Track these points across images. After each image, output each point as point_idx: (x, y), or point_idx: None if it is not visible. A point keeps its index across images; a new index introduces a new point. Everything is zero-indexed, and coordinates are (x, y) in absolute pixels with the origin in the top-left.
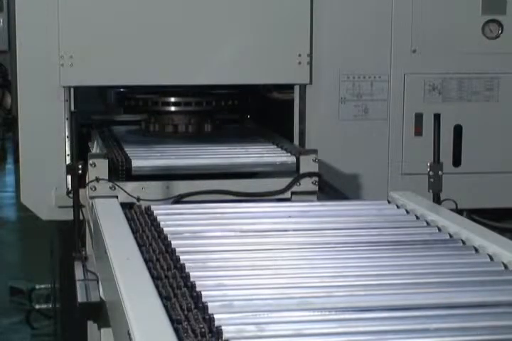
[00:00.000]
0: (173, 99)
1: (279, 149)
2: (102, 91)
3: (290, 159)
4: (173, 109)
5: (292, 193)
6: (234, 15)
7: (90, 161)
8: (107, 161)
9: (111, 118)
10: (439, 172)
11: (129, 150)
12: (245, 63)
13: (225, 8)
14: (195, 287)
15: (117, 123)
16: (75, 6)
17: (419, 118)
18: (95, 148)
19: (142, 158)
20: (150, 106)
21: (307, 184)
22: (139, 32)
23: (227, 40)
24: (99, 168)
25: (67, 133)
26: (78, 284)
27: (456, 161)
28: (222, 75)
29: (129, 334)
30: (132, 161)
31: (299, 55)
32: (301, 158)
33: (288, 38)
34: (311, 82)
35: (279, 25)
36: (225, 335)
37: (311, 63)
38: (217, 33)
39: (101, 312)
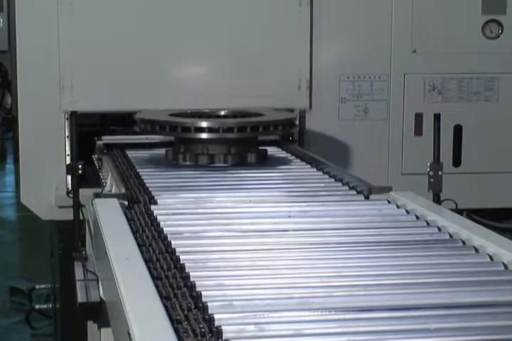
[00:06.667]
0: (208, 124)
1: (340, 184)
2: None
3: (357, 198)
4: (207, 136)
5: None
6: (234, 40)
7: None
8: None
9: (125, 141)
10: (439, 172)
11: (154, 190)
12: (245, 87)
13: (225, 33)
14: (195, 287)
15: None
16: (75, 31)
17: (419, 118)
18: (109, 184)
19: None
20: (180, 133)
21: None
22: (139, 58)
23: (227, 64)
24: None
25: (67, 133)
26: (78, 284)
27: (456, 161)
28: (222, 100)
29: (129, 334)
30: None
31: (299, 80)
32: (372, 197)
33: (288, 63)
34: (310, 107)
35: (278, 49)
36: (225, 335)
37: (310, 89)
38: (216, 59)
39: (101, 312)
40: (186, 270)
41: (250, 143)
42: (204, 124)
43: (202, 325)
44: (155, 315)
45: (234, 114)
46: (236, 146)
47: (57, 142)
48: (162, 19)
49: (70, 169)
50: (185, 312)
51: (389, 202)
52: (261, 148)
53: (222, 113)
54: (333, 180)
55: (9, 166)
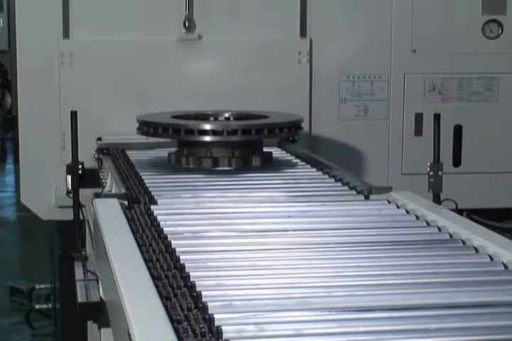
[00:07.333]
0: (211, 127)
1: (340, 184)
2: None
3: (357, 198)
4: (211, 138)
5: None
6: (231, 82)
7: None
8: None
9: (126, 142)
10: (439, 172)
11: (154, 190)
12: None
13: (222, 76)
14: (195, 287)
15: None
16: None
17: (419, 118)
18: (109, 184)
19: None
20: (183, 136)
21: None
22: (138, 97)
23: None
24: None
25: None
26: (78, 284)
27: (456, 161)
28: None
29: (129, 334)
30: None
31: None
32: (372, 197)
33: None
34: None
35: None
36: (225, 335)
37: (310, 125)
38: (215, 101)
39: (101, 312)
40: (186, 270)
41: (255, 145)
42: (208, 127)
43: (202, 325)
44: (155, 315)
45: (237, 116)
46: (240, 149)
47: (57, 142)
48: (154, 69)
49: (70, 169)
50: (185, 312)
51: (389, 202)
52: (266, 150)
53: (226, 115)
54: (333, 180)
55: (9, 166)
